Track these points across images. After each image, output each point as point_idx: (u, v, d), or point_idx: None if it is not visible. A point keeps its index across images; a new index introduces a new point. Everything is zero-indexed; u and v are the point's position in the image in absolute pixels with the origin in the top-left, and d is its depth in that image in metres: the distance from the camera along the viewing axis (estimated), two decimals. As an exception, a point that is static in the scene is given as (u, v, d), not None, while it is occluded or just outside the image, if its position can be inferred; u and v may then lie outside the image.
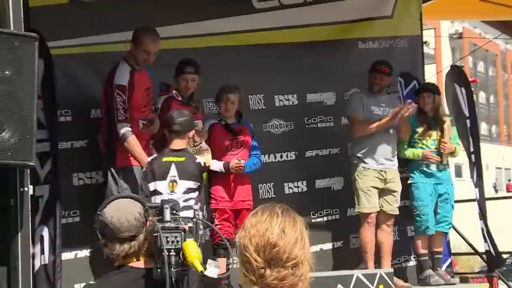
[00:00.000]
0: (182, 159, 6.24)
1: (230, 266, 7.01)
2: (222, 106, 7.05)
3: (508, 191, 53.02)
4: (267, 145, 7.58)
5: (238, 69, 7.71)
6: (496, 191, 53.20)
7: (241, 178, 7.03)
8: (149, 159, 6.28)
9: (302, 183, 8.15)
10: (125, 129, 6.26)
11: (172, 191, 6.15)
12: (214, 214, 6.93)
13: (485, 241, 8.44)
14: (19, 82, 4.51)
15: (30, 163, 4.60)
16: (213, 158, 6.94)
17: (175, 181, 6.17)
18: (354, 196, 7.67)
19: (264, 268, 2.36)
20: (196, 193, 6.19)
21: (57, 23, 6.88)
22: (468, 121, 8.66)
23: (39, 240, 5.73)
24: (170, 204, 3.28)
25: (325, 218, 8.28)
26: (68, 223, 6.57)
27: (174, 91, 6.77)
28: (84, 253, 6.80)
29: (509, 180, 58.62)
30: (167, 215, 3.20)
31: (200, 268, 3.00)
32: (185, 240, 3.10)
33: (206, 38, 7.75)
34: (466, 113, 8.72)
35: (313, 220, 7.99)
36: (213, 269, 3.08)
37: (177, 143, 6.28)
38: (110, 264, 6.73)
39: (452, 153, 8.07)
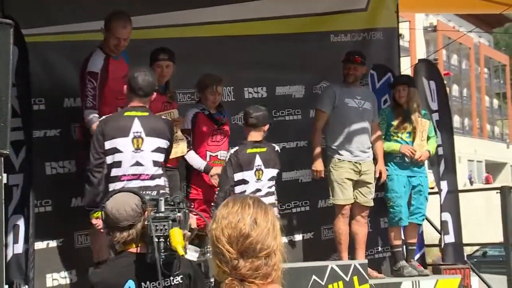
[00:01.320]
0: (264, 149, 6.72)
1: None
2: (210, 97, 7.05)
3: (486, 182, 53.37)
4: (235, 138, 7.53)
5: (210, 60, 7.70)
6: (472, 183, 53.59)
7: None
8: (232, 151, 6.69)
9: None
10: (92, 116, 6.17)
11: (258, 179, 6.65)
12: (193, 204, 6.91)
13: (446, 233, 8.53)
14: (-7, 69, 4.45)
15: (5, 151, 4.56)
16: (196, 147, 6.97)
17: (261, 169, 6.67)
18: (329, 187, 7.69)
19: (237, 259, 2.37)
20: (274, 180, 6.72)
21: (31, 10, 6.82)
22: (436, 115, 8.69)
23: (13, 229, 5.69)
24: (166, 197, 3.78)
25: (293, 210, 8.28)
26: (40, 212, 6.52)
27: (150, 81, 6.73)
28: (56, 242, 6.76)
29: (487, 172, 59.12)
30: (161, 206, 3.69)
31: (181, 252, 3.43)
32: (171, 228, 3.55)
33: (180, 28, 7.73)
34: (433, 106, 8.74)
35: (281, 212, 8.02)
36: (193, 253, 3.52)
37: (255, 135, 6.75)
38: (82, 254, 6.77)
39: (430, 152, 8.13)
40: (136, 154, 5.71)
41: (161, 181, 5.78)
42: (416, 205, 8.03)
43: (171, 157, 6.59)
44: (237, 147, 6.70)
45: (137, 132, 5.72)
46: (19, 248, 5.76)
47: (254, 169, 6.66)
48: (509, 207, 8.83)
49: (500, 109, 74.41)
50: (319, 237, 8.37)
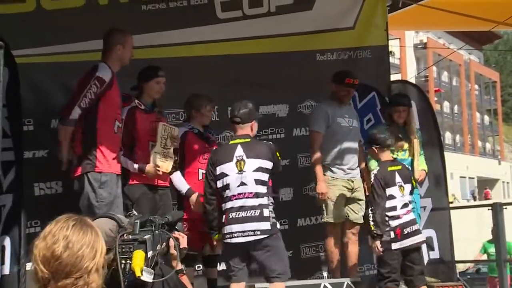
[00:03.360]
0: (400, 167, 7.53)
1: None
2: (205, 114, 7.14)
3: (486, 198, 53.71)
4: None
5: (194, 80, 7.73)
6: (475, 198, 54.08)
7: None
8: (375, 171, 7.42)
9: None
10: (76, 117, 6.13)
11: (403, 195, 7.37)
12: (185, 223, 6.89)
13: (432, 249, 8.54)
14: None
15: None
16: (188, 166, 6.99)
17: (402, 186, 7.38)
18: (322, 205, 7.66)
19: (48, 278, 2.51)
20: None
21: (20, 31, 6.83)
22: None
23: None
24: (148, 218, 3.81)
25: None
26: (30, 233, 6.48)
27: (136, 101, 6.73)
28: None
29: (486, 188, 59.48)
30: (137, 229, 3.70)
31: (138, 273, 3.50)
32: (135, 250, 3.59)
33: (164, 48, 7.75)
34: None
35: None
36: (147, 275, 3.55)
37: (387, 155, 7.54)
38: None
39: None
40: (240, 175, 6.38)
41: (265, 200, 6.34)
42: (410, 223, 8.01)
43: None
44: (378, 168, 7.44)
45: (239, 156, 6.42)
46: (5, 269, 5.71)
47: (397, 185, 7.37)
48: (501, 223, 8.82)
49: (491, 125, 74.66)
50: (298, 256, 8.36)
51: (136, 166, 6.58)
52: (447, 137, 62.66)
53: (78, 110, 6.13)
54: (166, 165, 6.69)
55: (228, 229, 6.32)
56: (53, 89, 6.95)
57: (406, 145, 8.00)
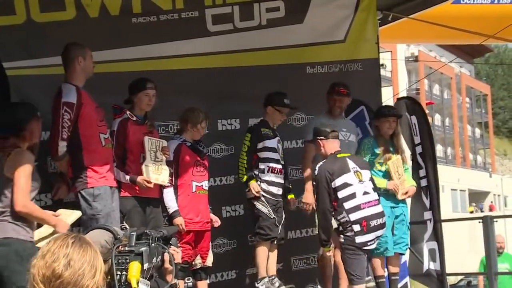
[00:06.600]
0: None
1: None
2: (200, 130, 7.16)
3: (490, 211, 54.24)
4: (210, 168, 7.48)
5: (184, 93, 7.73)
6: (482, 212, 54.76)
7: (206, 198, 7.13)
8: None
9: (239, 206, 8.10)
10: (65, 148, 6.19)
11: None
12: (177, 235, 6.86)
13: (434, 261, 8.55)
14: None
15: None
16: (181, 178, 6.99)
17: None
18: (315, 217, 7.66)
19: None
20: None
21: (11, 43, 6.82)
22: (419, 147, 8.69)
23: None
24: (144, 231, 3.83)
25: None
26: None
27: (128, 112, 6.73)
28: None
29: (491, 202, 60.05)
30: (132, 240, 3.72)
31: (134, 285, 3.51)
32: (131, 261, 3.61)
33: (154, 61, 7.72)
34: (416, 140, 8.71)
35: (250, 243, 7.98)
36: (143, 287, 3.56)
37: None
38: None
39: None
40: (361, 185, 6.91)
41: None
42: (399, 235, 7.99)
43: (153, 182, 6.57)
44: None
45: (353, 168, 6.94)
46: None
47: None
48: (492, 236, 8.82)
49: (482, 138, 74.88)
50: (289, 268, 8.35)
51: (128, 177, 6.58)
52: (439, 149, 62.76)
53: (63, 143, 6.18)
54: (162, 177, 6.71)
55: (368, 237, 6.83)
56: (43, 101, 6.91)
57: (394, 158, 7.99)
